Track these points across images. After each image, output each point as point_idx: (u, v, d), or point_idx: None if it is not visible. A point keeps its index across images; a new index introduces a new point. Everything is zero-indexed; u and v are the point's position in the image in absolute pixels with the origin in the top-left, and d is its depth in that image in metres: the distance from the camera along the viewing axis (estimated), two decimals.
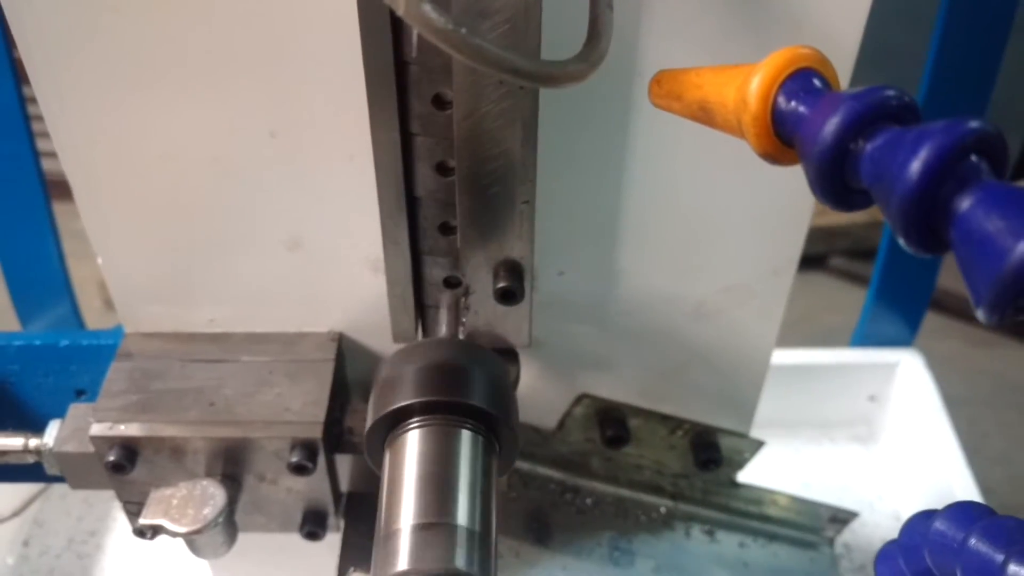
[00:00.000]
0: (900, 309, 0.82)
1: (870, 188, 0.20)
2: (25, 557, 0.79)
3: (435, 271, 0.44)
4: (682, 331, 0.52)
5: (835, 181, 0.21)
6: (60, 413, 0.52)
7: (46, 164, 0.82)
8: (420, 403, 0.38)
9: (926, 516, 0.35)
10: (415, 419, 0.38)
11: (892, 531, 0.77)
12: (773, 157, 0.24)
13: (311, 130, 0.42)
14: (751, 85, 0.23)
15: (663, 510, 0.61)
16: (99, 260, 0.49)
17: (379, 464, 0.40)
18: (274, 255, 0.47)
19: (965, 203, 0.18)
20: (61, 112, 0.42)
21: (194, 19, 0.38)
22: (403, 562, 0.34)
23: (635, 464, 0.59)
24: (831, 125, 0.20)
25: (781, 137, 0.23)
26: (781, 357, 0.92)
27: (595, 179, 0.44)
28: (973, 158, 0.19)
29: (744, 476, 0.61)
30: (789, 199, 0.45)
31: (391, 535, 0.35)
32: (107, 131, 0.43)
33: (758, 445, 0.57)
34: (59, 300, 0.83)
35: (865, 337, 0.85)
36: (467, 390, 0.38)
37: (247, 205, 0.45)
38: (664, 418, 0.56)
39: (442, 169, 0.39)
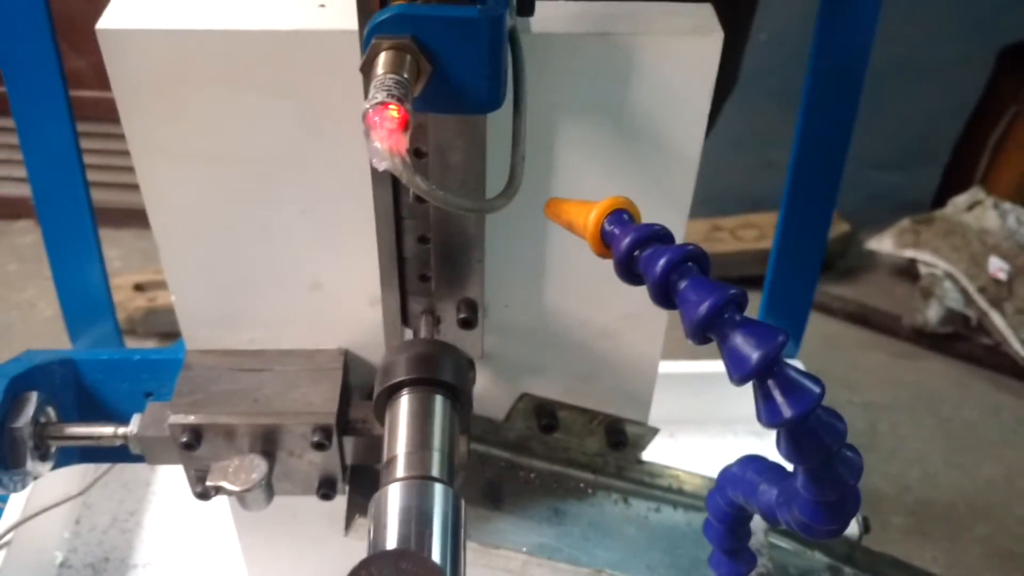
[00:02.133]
0: (784, 325, 1.02)
1: (644, 275, 0.40)
2: (77, 533, 0.97)
3: (416, 306, 0.63)
4: (593, 347, 0.71)
5: (627, 271, 0.41)
6: (133, 410, 0.70)
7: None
8: (409, 379, 0.57)
9: (729, 465, 0.55)
10: (405, 388, 0.58)
11: None
12: (602, 255, 0.43)
13: (331, 212, 0.61)
14: (591, 216, 0.42)
15: (587, 482, 0.80)
16: (172, 297, 0.68)
17: (382, 420, 0.59)
18: (300, 294, 0.66)
19: (682, 285, 0.38)
20: (164, 208, 0.61)
21: (261, 143, 0.58)
22: (399, 472, 0.53)
23: (564, 447, 0.78)
24: (625, 243, 0.40)
25: (605, 245, 0.42)
26: (693, 367, 1.12)
27: (528, 245, 0.64)
28: (689, 263, 0.39)
29: (657, 459, 0.81)
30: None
31: (391, 460, 0.54)
32: (190, 205, 0.62)
33: (654, 431, 0.77)
34: (104, 318, 1.00)
35: None
36: (439, 370, 0.58)
37: (282, 260, 0.64)
38: (584, 411, 0.76)
39: (422, 240, 0.59)
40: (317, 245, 0.63)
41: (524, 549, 0.73)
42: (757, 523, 1.02)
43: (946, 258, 2.42)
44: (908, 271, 2.56)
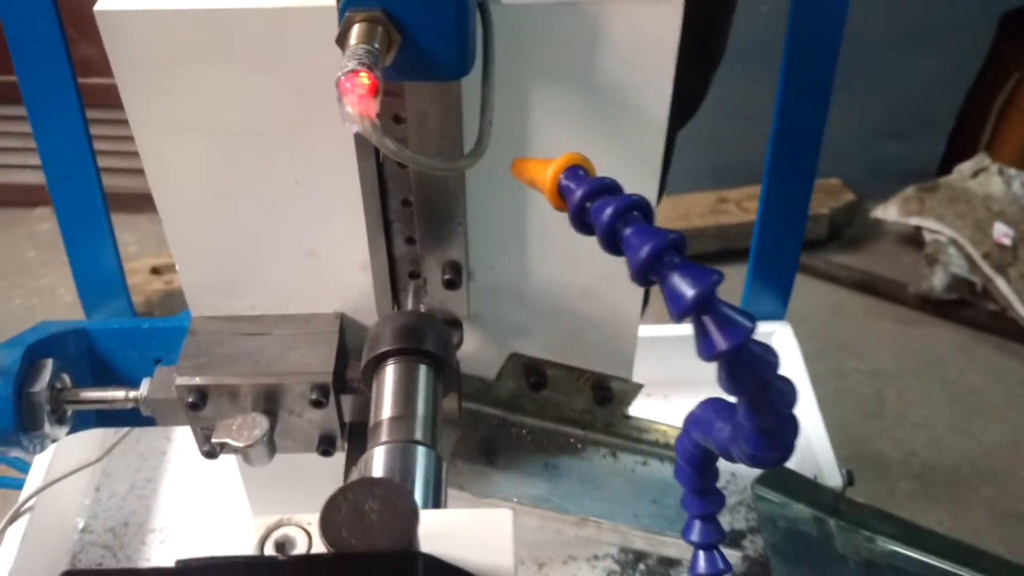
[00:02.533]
0: (772, 291, 1.05)
1: (594, 224, 0.43)
2: (98, 500, 1.02)
3: (404, 269, 0.67)
4: (576, 307, 0.75)
5: (580, 222, 0.44)
6: (143, 375, 0.75)
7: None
8: (394, 348, 0.61)
9: (693, 409, 0.58)
10: (391, 358, 0.61)
11: None
12: (559, 208, 0.46)
13: (323, 182, 0.65)
14: (548, 172, 0.46)
15: (577, 437, 0.84)
16: (177, 267, 0.72)
17: (369, 387, 0.63)
18: (296, 261, 0.70)
19: (627, 231, 0.42)
20: (167, 183, 0.65)
21: (263, 125, 0.61)
22: (384, 437, 0.57)
23: (553, 404, 0.82)
24: (577, 195, 0.43)
25: (562, 198, 0.46)
26: (685, 330, 1.16)
27: (509, 210, 0.67)
28: (634, 212, 0.42)
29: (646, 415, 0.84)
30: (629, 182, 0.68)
31: (377, 425, 0.58)
32: (190, 179, 0.65)
33: (638, 387, 0.81)
34: (117, 295, 1.05)
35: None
36: (423, 341, 0.62)
37: (279, 229, 0.68)
38: (571, 369, 0.79)
39: (406, 203, 0.63)
40: (311, 214, 0.67)
41: (515, 499, 0.77)
42: (742, 473, 1.04)
43: (950, 225, 2.43)
44: (914, 239, 2.57)
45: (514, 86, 0.59)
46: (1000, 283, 2.36)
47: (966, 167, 2.60)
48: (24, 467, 1.05)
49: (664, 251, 0.41)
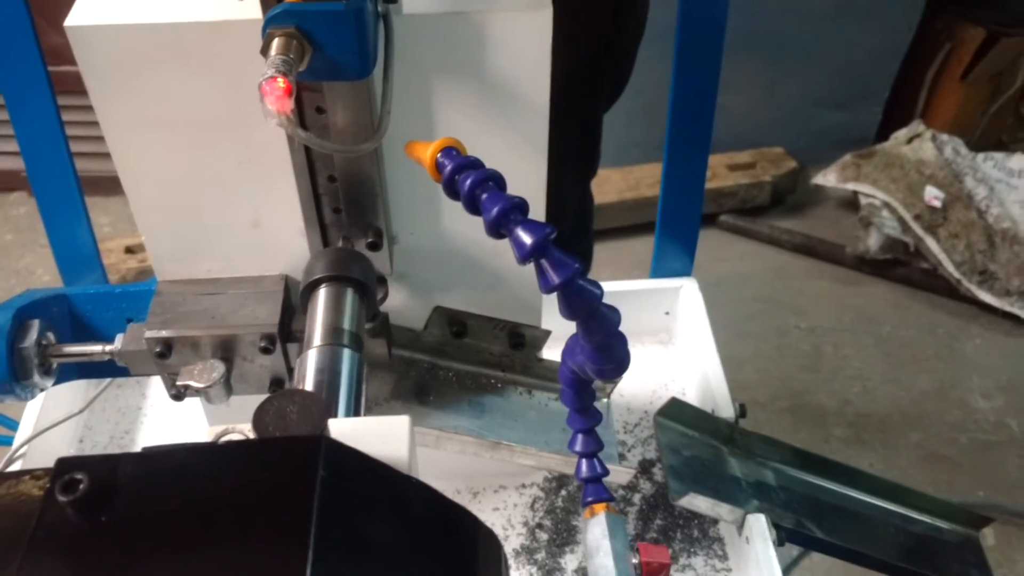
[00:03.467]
0: (679, 249, 1.18)
1: (459, 192, 0.56)
2: (81, 449, 1.14)
3: (334, 235, 0.80)
4: (489, 264, 0.88)
5: (451, 191, 0.57)
6: (117, 332, 0.87)
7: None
8: (325, 276, 0.74)
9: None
10: (323, 284, 0.74)
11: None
12: (437, 181, 0.59)
13: (263, 163, 0.77)
14: (428, 151, 0.58)
15: (497, 379, 0.97)
16: (143, 238, 0.84)
17: (305, 309, 0.76)
18: (244, 230, 0.83)
19: (483, 197, 0.54)
20: (131, 168, 0.77)
21: (210, 114, 0.74)
22: (316, 342, 0.70)
23: (475, 349, 0.95)
24: (447, 170, 0.56)
25: (439, 172, 0.58)
26: (609, 287, 1.29)
27: (424, 183, 0.80)
28: (489, 182, 0.55)
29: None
30: (518, 167, 0.81)
31: (310, 334, 0.71)
32: (151, 164, 0.78)
33: (547, 333, 0.94)
34: (93, 269, 1.17)
35: (659, 271, 1.21)
36: (349, 270, 0.75)
37: (228, 204, 0.81)
38: (488, 319, 0.92)
39: (331, 179, 0.75)
40: (254, 190, 0.80)
41: (442, 429, 0.91)
42: (653, 410, 1.17)
43: (884, 189, 2.58)
44: (852, 203, 2.72)
45: (417, 81, 0.72)
46: (931, 243, 2.51)
47: (901, 134, 2.74)
48: (8, 423, 1.17)
49: (510, 211, 0.54)
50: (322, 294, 0.75)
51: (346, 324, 0.72)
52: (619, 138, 2.68)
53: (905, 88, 2.83)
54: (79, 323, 0.91)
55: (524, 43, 0.70)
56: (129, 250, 2.55)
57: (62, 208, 1.14)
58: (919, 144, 2.68)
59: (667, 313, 1.23)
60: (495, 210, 0.53)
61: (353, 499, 0.47)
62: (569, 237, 1.48)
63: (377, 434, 0.57)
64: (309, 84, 0.67)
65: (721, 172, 2.70)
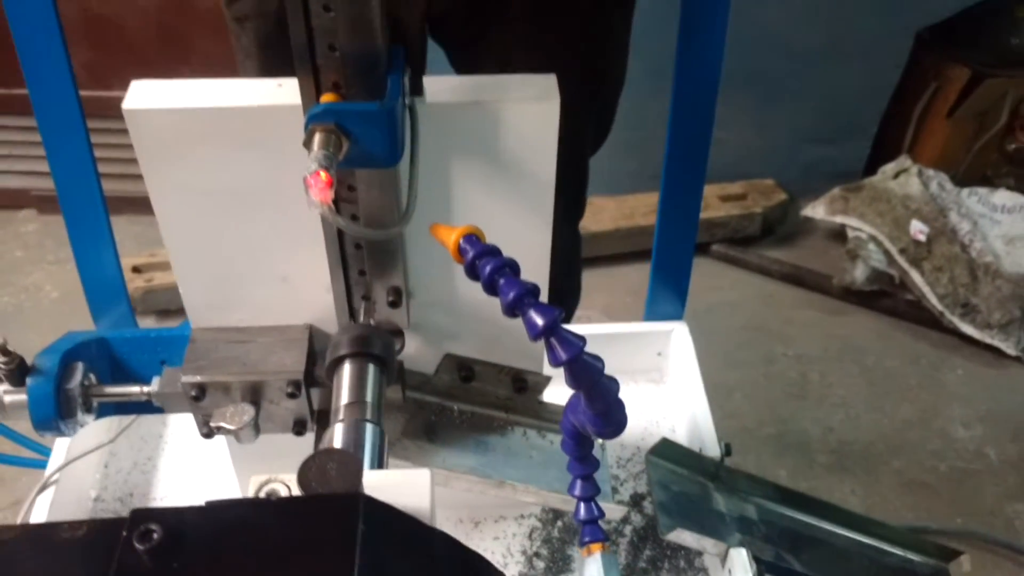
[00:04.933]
0: (671, 294, 1.26)
1: (480, 276, 0.64)
2: (107, 475, 1.21)
3: (358, 292, 0.88)
4: (496, 317, 0.94)
5: (472, 273, 0.65)
6: (152, 373, 0.94)
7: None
8: (350, 352, 0.82)
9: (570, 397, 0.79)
10: (347, 359, 0.82)
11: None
12: (459, 263, 0.67)
13: (293, 227, 0.85)
14: (451, 237, 0.66)
15: (501, 420, 1.05)
16: (180, 290, 0.92)
17: (331, 381, 0.83)
18: (274, 285, 0.90)
19: (501, 282, 0.62)
20: (175, 228, 0.84)
21: (247, 191, 0.81)
22: (341, 416, 0.78)
23: (481, 392, 1.03)
24: (469, 256, 0.64)
25: (461, 256, 0.66)
26: (606, 328, 1.37)
27: (439, 247, 0.88)
28: (506, 268, 0.63)
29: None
30: (526, 237, 0.89)
31: (336, 408, 0.79)
32: (193, 226, 0.85)
33: (548, 379, 1.02)
34: (119, 301, 1.24)
35: (652, 313, 1.29)
36: (371, 347, 0.82)
37: (260, 261, 0.88)
38: (494, 365, 1.00)
39: (358, 247, 0.83)
40: (284, 250, 0.87)
41: (449, 468, 0.98)
42: (645, 446, 1.25)
43: (871, 223, 2.66)
44: (840, 235, 2.80)
45: (438, 161, 0.80)
46: (915, 275, 2.60)
47: (889, 168, 2.83)
48: (41, 449, 1.25)
49: (524, 296, 0.61)
50: (346, 369, 0.82)
51: (369, 399, 0.80)
52: (614, 168, 2.77)
53: (893, 124, 2.92)
54: (116, 363, 0.99)
55: (534, 129, 0.78)
56: (136, 269, 2.62)
57: (91, 237, 1.19)
58: (906, 179, 2.77)
59: (659, 354, 1.31)
60: (511, 295, 0.61)
61: (388, 549, 0.55)
62: (556, 275, 1.56)
63: (402, 486, 0.65)
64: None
65: (713, 203, 2.79)
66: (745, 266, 2.77)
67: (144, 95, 0.77)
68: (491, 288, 0.63)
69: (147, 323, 2.52)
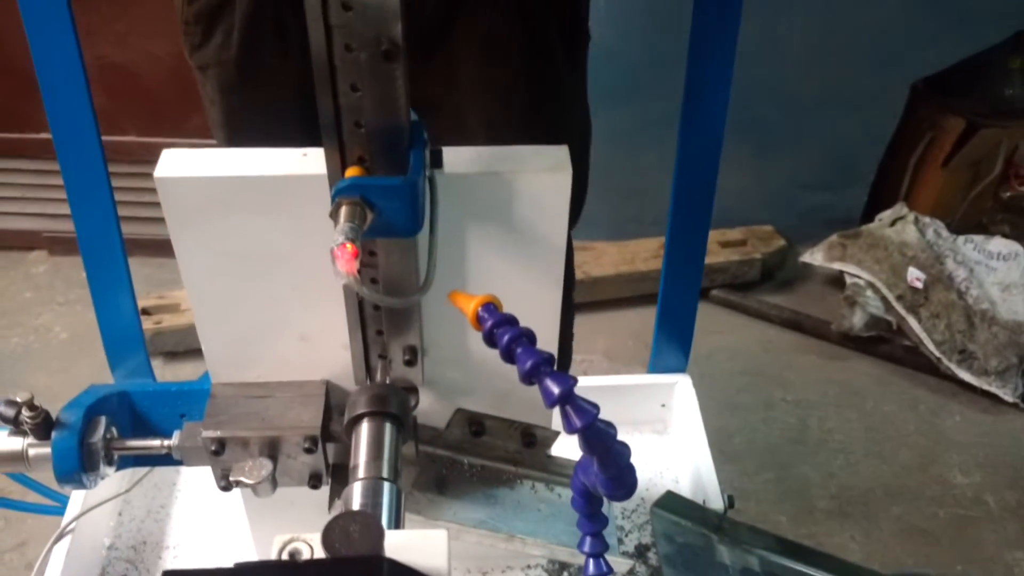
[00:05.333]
0: (675, 348, 1.29)
1: (498, 344, 0.67)
2: (121, 523, 1.24)
3: (375, 351, 0.91)
4: (506, 373, 0.97)
5: (490, 342, 0.68)
6: (172, 427, 0.97)
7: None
8: (368, 411, 0.85)
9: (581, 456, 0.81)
10: (365, 418, 0.85)
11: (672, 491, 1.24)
12: (477, 330, 0.70)
13: (313, 288, 0.88)
14: (470, 306, 0.69)
15: (510, 473, 1.07)
16: (202, 345, 0.95)
17: (349, 438, 0.86)
18: (293, 343, 0.94)
19: (519, 351, 0.65)
20: (200, 288, 0.88)
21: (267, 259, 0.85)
22: (360, 474, 0.80)
23: (491, 446, 1.05)
24: (487, 325, 0.67)
25: (479, 323, 0.69)
26: (611, 380, 1.40)
27: (453, 308, 0.91)
28: (523, 338, 0.66)
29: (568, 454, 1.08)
30: (538, 300, 0.92)
31: (355, 465, 0.82)
32: (217, 286, 0.88)
33: (557, 434, 1.04)
34: (137, 351, 1.27)
35: (657, 366, 1.32)
36: (388, 406, 0.85)
37: (279, 320, 0.91)
38: (504, 420, 1.03)
39: (376, 307, 0.86)
40: (304, 309, 0.91)
41: (459, 522, 1.01)
42: (649, 498, 1.28)
43: (868, 269, 2.70)
44: (838, 281, 2.84)
45: (455, 227, 0.83)
46: (912, 322, 2.63)
47: (886, 215, 2.88)
48: (55, 496, 1.27)
49: (541, 365, 0.65)
50: (365, 429, 0.85)
51: (386, 458, 0.83)
52: (615, 214, 2.83)
53: (890, 172, 2.97)
54: (137, 416, 1.01)
55: (546, 198, 0.82)
56: (145, 311, 2.65)
57: (109, 279, 1.20)
58: (902, 226, 2.81)
59: (663, 405, 1.34)
60: (528, 364, 0.64)
61: None
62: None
63: (421, 547, 0.67)
64: None
65: (714, 248, 2.83)
66: (745, 311, 2.80)
67: (175, 164, 0.81)
68: (508, 356, 0.67)
69: (155, 364, 2.54)
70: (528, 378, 0.65)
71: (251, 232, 0.84)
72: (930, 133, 2.85)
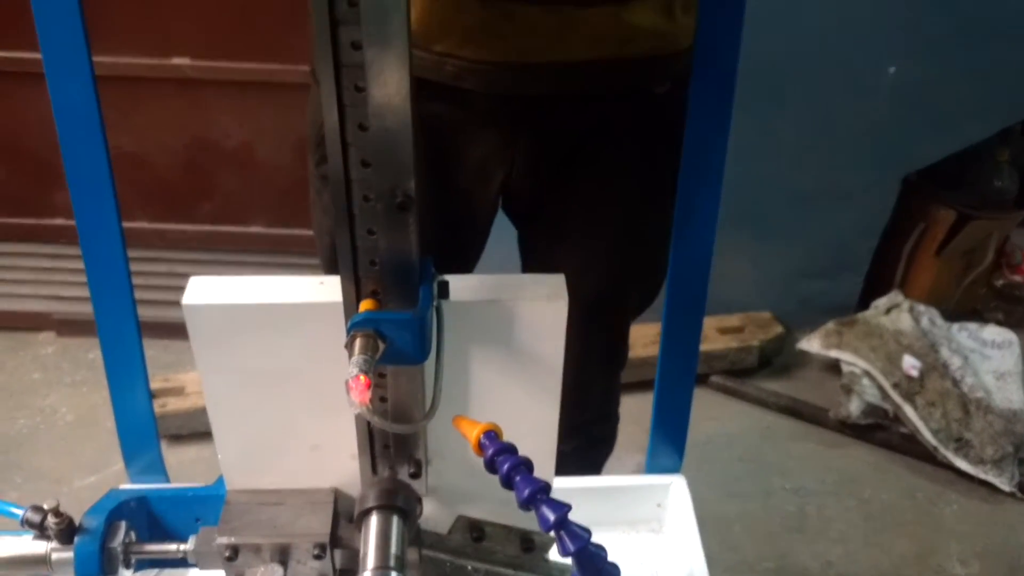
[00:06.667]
0: (670, 448, 1.34)
1: (498, 471, 0.72)
2: None
3: (383, 464, 0.96)
4: None
5: (491, 468, 0.73)
6: (187, 530, 1.02)
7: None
8: (376, 504, 0.90)
9: None
10: (375, 510, 0.90)
11: None
12: (479, 455, 0.75)
13: (325, 404, 0.93)
14: (472, 433, 0.75)
15: None
16: (219, 455, 1.00)
17: (359, 528, 0.91)
18: (304, 452, 0.99)
19: (517, 479, 0.71)
20: (219, 403, 0.93)
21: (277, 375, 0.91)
22: (370, 564, 0.85)
23: (491, 551, 1.10)
24: (488, 453, 0.73)
25: (481, 450, 0.75)
26: (607, 481, 1.45)
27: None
28: (522, 466, 0.71)
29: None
30: (536, 421, 0.97)
31: (365, 554, 0.86)
32: (235, 400, 0.94)
33: (553, 539, 1.08)
34: (151, 448, 1.31)
35: (652, 467, 1.36)
36: (396, 500, 0.90)
37: (292, 432, 0.97)
38: (503, 526, 1.07)
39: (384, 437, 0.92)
40: (316, 422, 0.96)
41: None
42: None
43: (864, 357, 2.75)
44: (835, 367, 2.88)
45: (459, 353, 0.89)
46: (908, 411, 2.67)
47: (881, 303, 2.94)
48: None
49: (537, 493, 0.70)
50: (374, 520, 0.90)
51: (393, 549, 0.87)
52: None
53: (884, 261, 3.04)
54: (154, 519, 1.06)
55: (545, 324, 0.88)
56: (153, 395, 2.69)
57: (126, 368, 1.22)
58: (897, 314, 2.87)
59: (659, 505, 1.37)
60: (527, 492, 0.69)
61: None
62: (591, 423, 1.63)
63: None
64: None
65: (712, 335, 2.88)
66: (743, 398, 2.84)
67: (201, 291, 0.87)
68: (508, 483, 0.72)
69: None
70: (526, 504, 0.70)
71: (269, 352, 0.90)
72: (922, 223, 2.94)
